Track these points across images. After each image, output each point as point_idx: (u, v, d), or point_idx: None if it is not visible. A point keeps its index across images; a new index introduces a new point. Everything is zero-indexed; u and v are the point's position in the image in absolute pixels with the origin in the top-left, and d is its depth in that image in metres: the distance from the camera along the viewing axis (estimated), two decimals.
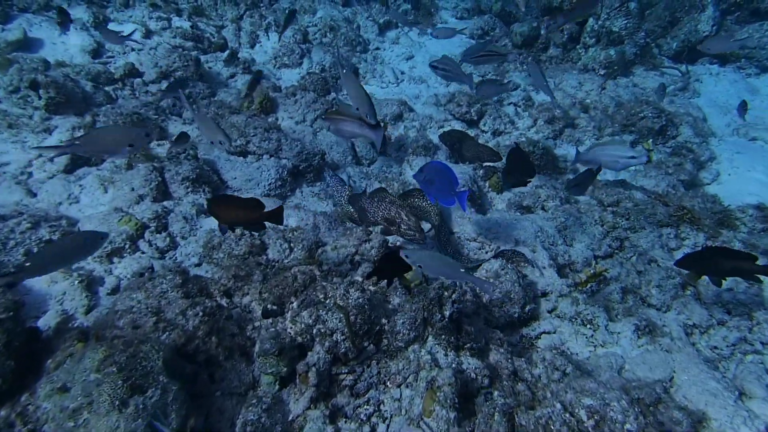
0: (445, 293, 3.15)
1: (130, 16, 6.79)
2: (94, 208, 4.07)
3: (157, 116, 5.33)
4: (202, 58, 6.47)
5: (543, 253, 4.00)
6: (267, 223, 4.09)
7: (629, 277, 3.86)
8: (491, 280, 3.70)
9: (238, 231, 3.71)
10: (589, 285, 3.64)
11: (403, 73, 7.88)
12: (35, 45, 5.82)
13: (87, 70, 5.52)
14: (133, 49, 6.23)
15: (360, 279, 3.41)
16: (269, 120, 5.41)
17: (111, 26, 6.50)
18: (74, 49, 5.91)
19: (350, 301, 3.06)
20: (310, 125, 5.50)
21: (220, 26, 7.36)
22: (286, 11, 7.01)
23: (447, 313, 3.07)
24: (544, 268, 3.89)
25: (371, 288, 3.35)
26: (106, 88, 5.55)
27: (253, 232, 3.70)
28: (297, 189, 4.86)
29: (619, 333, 3.35)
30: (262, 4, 8.01)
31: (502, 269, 3.71)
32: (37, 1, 6.33)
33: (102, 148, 2.95)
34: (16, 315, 2.59)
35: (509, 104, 6.97)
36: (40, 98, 4.88)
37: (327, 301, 3.10)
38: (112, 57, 6.11)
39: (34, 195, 4.10)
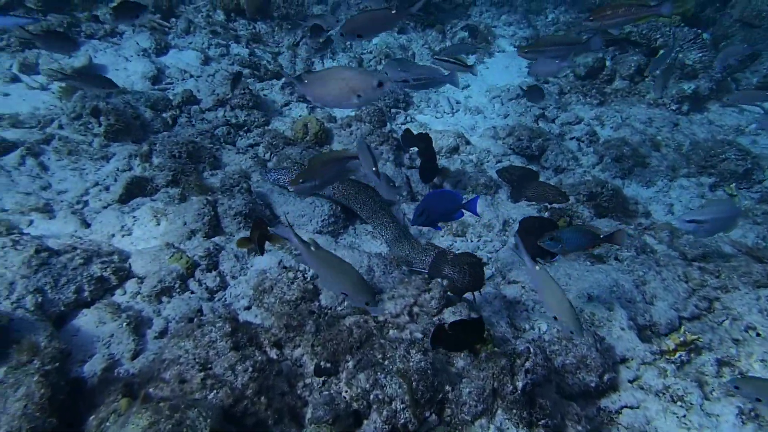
0: (518, 361, 2.82)
1: (190, 43, 6.88)
2: (146, 242, 3.97)
3: (212, 144, 5.28)
4: (258, 85, 6.44)
5: (621, 311, 3.61)
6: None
7: (723, 346, 3.41)
8: (563, 342, 3.34)
9: (290, 274, 3.50)
10: (678, 354, 3.22)
11: (458, 102, 7.64)
12: (99, 71, 5.92)
13: (146, 96, 5.55)
14: (191, 76, 6.26)
15: (420, 336, 3.12)
16: (324, 152, 5.26)
17: (172, 53, 6.60)
18: (135, 75, 5.98)
19: (411, 364, 2.78)
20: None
21: (276, 53, 7.36)
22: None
23: (520, 385, 2.74)
24: (623, 329, 3.49)
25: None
26: (164, 115, 5.57)
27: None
28: (350, 226, 4.65)
29: (718, 416, 2.91)
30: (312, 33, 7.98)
31: None
32: (104, 27, 6.49)
33: (328, 93, 2.58)
34: (62, 366, 2.44)
35: (572, 139, 6.60)
36: (100, 125, 4.91)
37: (386, 363, 2.83)
38: (171, 83, 6.16)
39: (88, 225, 4.05)
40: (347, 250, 4.09)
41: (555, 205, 4.80)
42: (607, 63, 7.57)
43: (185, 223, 4.01)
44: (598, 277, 3.91)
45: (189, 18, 7.18)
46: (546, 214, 4.75)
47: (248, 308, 3.54)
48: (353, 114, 6.07)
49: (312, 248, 2.60)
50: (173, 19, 7.22)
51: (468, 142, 6.36)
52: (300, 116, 6.15)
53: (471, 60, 5.86)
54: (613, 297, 3.71)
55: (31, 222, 3.92)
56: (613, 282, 3.84)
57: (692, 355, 3.30)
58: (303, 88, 2.59)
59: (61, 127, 4.92)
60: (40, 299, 3.01)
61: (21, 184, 4.25)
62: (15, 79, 5.38)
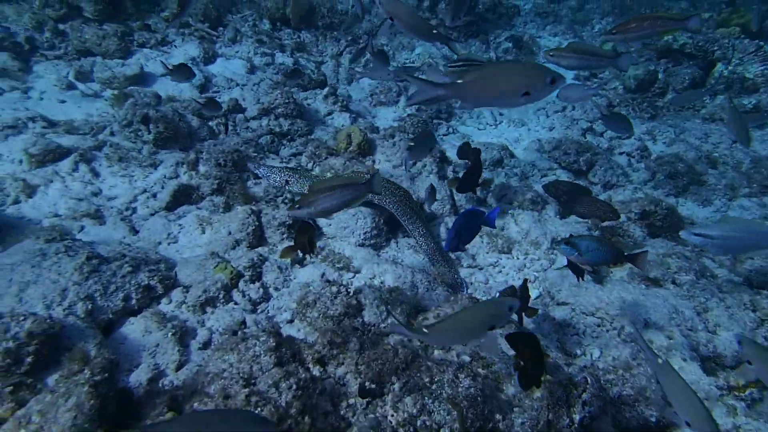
0: (574, 391, 2.67)
1: (237, 52, 6.98)
2: (191, 250, 3.99)
3: (256, 153, 5.30)
4: (302, 94, 6.46)
5: (682, 340, 3.39)
6: (364, 282, 3.83)
7: None
8: (619, 371, 3.16)
9: (334, 289, 3.44)
10: (748, 391, 2.99)
11: (501, 114, 7.49)
12: (149, 79, 6.06)
13: (193, 106, 5.63)
14: (237, 84, 6.34)
15: (468, 359, 3.00)
16: (367, 163, 5.21)
17: (219, 62, 6.70)
18: (185, 84, 6.09)
19: (460, 389, 2.66)
20: (408, 170, 5.22)
21: (320, 62, 7.39)
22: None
23: (577, 418, 2.58)
24: (685, 360, 3.27)
25: (481, 371, 2.93)
26: (210, 123, 5.63)
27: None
28: (393, 239, 4.56)
29: None
30: (361, 41, 7.99)
31: (634, 359, 3.15)
32: (155, 36, 6.66)
33: (492, 91, 2.31)
34: (112, 376, 2.43)
35: (621, 154, 6.35)
36: (149, 132, 4.99)
37: (433, 387, 2.72)
38: (218, 91, 6.25)
39: (136, 232, 4.10)
40: (390, 264, 4.01)
41: (606, 223, 4.59)
42: (660, 75, 7.28)
43: (230, 233, 4.01)
44: (656, 302, 3.69)
45: (236, 27, 7.30)
46: (596, 233, 4.54)
47: (291, 321, 3.49)
48: (396, 125, 6.01)
49: None
50: (221, 29, 7.36)
51: (512, 155, 6.20)
52: (343, 126, 6.14)
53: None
54: (673, 324, 3.50)
55: (82, 228, 4.00)
56: (672, 308, 3.62)
57: (765, 392, 3.06)
58: (456, 89, 2.30)
59: (112, 134, 5.03)
60: (90, 306, 3.04)
61: (74, 189, 4.36)
62: (71, 87, 5.55)
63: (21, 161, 4.46)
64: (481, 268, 4.38)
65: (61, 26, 6.07)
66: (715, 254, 4.12)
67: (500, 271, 4.33)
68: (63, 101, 5.38)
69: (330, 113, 6.36)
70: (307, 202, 2.80)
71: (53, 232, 3.55)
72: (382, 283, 3.82)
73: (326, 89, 6.47)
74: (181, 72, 4.90)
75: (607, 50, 4.12)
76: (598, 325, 3.70)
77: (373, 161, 5.36)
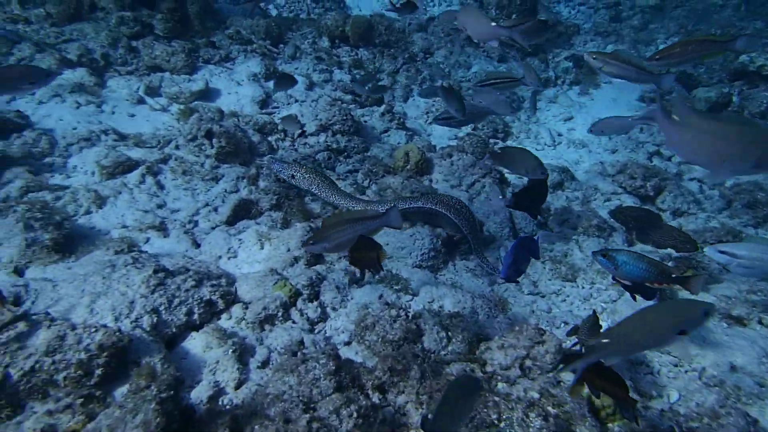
0: None
1: (296, 68, 7.09)
2: (250, 265, 4.00)
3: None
4: (359, 111, 6.48)
5: None
6: (422, 305, 3.72)
7: None
8: (704, 420, 2.90)
9: (393, 312, 3.34)
10: None
11: (560, 134, 7.27)
12: (213, 94, 6.23)
13: (255, 120, 5.74)
14: (296, 100, 6.43)
15: (537, 396, 2.83)
16: (425, 182, 5.13)
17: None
18: (245, 99, 6.23)
19: (531, 431, 2.50)
20: (466, 190, 5.11)
21: (377, 80, 7.41)
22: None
23: None
24: None
25: (551, 409, 2.75)
26: (270, 138, 5.72)
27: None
28: (450, 262, 4.44)
29: None
30: (418, 59, 7.99)
31: (722, 406, 2.89)
32: (219, 53, 6.86)
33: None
34: (177, 394, 2.41)
35: (692, 180, 6.00)
36: (212, 147, 5.10)
37: (502, 425, 2.57)
38: (277, 107, 6.35)
39: (198, 246, 4.16)
40: (448, 288, 3.89)
41: (679, 254, 4.31)
42: (734, 99, 6.88)
43: (289, 250, 4.00)
44: (741, 344, 3.40)
45: (296, 44, 7.44)
46: (671, 264, 4.27)
47: (348, 344, 3.42)
48: (454, 144, 5.92)
49: None
50: (281, 45, 7.52)
51: (573, 178, 5.98)
52: (399, 144, 6.10)
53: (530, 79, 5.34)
54: (764, 370, 3.20)
55: (147, 239, 4.09)
56: (762, 351, 3.32)
57: None
58: (671, 129, 2.08)
59: (177, 147, 5.17)
60: (155, 320, 3.07)
61: (140, 201, 4.48)
62: (141, 101, 5.77)
63: (93, 173, 4.64)
64: (543, 296, 4.19)
65: (134, 43, 6.35)
66: (742, 275, 3.83)
67: (564, 300, 4.12)
68: (133, 115, 5.59)
69: (386, 131, 6.34)
70: (322, 237, 2.80)
71: (122, 243, 3.64)
72: (440, 307, 3.70)
73: (383, 107, 6.47)
74: (285, 81, 5.27)
75: (651, 66, 3.98)
76: (675, 365, 3.43)
77: (430, 180, 5.28)
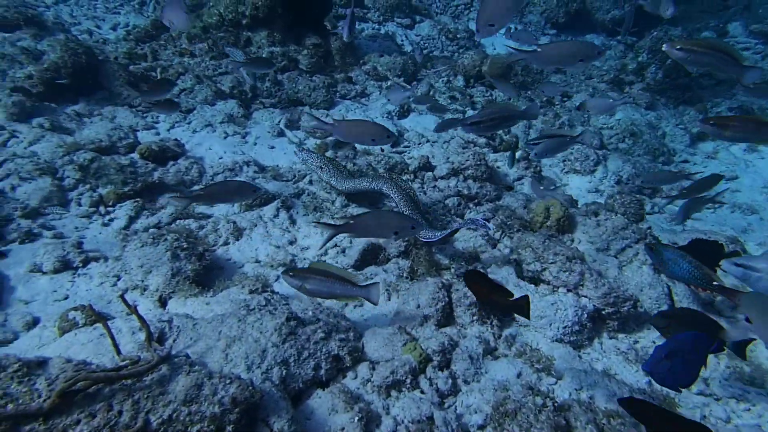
0: None
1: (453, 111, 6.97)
2: (377, 318, 3.80)
3: (444, 216, 5.07)
4: (492, 156, 6.16)
5: None
6: (569, 393, 3.24)
7: None
8: None
9: (538, 400, 2.91)
10: None
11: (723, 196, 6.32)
12: None
13: (386, 159, 5.64)
14: (428, 141, 6.27)
15: None
16: (566, 242, 4.63)
17: (412, 116, 6.74)
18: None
19: None
20: (615, 256, 4.51)
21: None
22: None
23: None
24: None
25: None
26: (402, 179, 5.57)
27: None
28: (596, 339, 3.89)
29: None
30: (557, 102, 7.50)
31: None
32: (356, 88, 6.96)
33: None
34: None
35: None
36: None
37: None
38: (408, 147, 6.23)
39: None
40: (600, 376, 3.36)
41: None
42: None
43: (418, 306, 3.74)
44: None
45: (430, 82, 7.35)
46: None
47: (483, 428, 3.03)
48: (602, 201, 5.35)
49: None
50: (415, 83, 7.47)
51: (745, 251, 5.08)
52: (533, 192, 5.65)
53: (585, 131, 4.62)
54: None
55: (278, 277, 4.06)
56: None
57: None
58: None
59: (311, 182, 5.21)
60: (284, 372, 2.94)
61: (274, 236, 4.51)
62: (281, 134, 5.96)
63: (234, 204, 4.79)
64: (718, 399, 3.47)
65: (279, 77, 6.64)
66: (757, 290, 3.28)
67: (749, 409, 3.38)
68: (272, 147, 5.78)
69: (520, 178, 5.93)
70: (304, 277, 2.96)
71: (257, 282, 3.62)
72: (591, 399, 3.18)
73: (519, 152, 6.08)
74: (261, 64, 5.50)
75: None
76: None
77: (572, 240, 4.76)
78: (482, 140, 6.28)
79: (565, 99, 7.78)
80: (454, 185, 5.52)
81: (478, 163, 5.58)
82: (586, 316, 3.85)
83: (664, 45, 3.53)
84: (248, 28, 6.89)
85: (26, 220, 3.82)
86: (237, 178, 4.80)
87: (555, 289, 4.05)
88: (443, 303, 3.75)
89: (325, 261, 4.36)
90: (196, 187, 4.88)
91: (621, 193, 5.21)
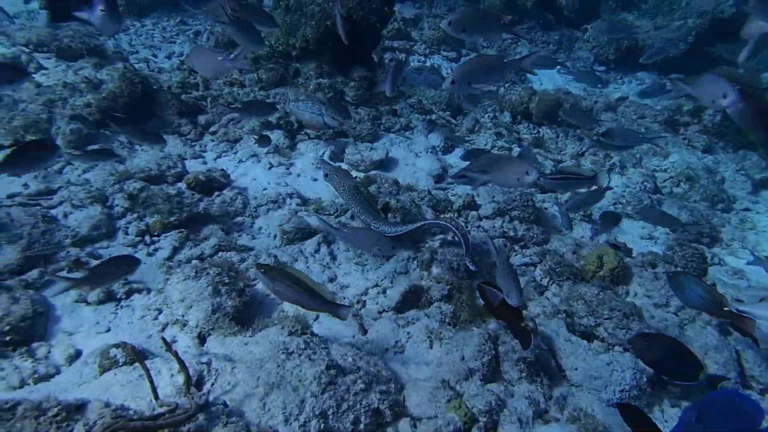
0: None
1: (474, 143, 6.86)
2: (418, 367, 3.63)
3: (487, 258, 4.88)
4: (539, 197, 5.95)
5: None
6: None
7: None
8: None
9: None
10: None
11: None
12: (391, 164, 6.21)
13: (430, 196, 5.52)
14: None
15: None
16: (620, 293, 4.37)
17: (456, 152, 6.63)
18: (422, 172, 6.10)
19: None
20: (675, 313, 4.21)
21: (558, 161, 6.85)
22: None
23: None
24: None
25: None
26: (443, 216, 5.43)
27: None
28: (656, 406, 3.59)
29: None
30: (603, 140, 7.25)
31: None
32: (400, 121, 6.92)
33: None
34: None
35: None
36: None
37: None
38: (452, 183, 6.10)
39: (365, 332, 3.91)
40: None
41: None
42: None
43: (463, 358, 3.54)
44: None
45: (476, 117, 7.24)
46: None
47: None
48: (661, 252, 5.06)
49: None
50: (460, 117, 7.39)
51: None
52: (582, 238, 5.40)
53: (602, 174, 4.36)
54: None
55: (317, 316, 3.95)
56: None
57: None
58: None
59: (353, 217, 5.12)
60: (322, 426, 2.80)
61: (314, 272, 4.42)
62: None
63: (275, 236, 4.75)
64: None
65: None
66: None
67: None
68: (315, 179, 5.75)
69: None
70: (274, 277, 2.83)
71: (296, 324, 3.51)
72: None
73: (567, 194, 5.84)
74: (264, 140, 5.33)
75: None
76: None
77: (627, 292, 4.48)
78: None
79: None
80: (500, 226, 5.33)
81: (525, 204, 5.39)
82: (645, 379, 3.57)
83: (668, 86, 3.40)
84: (297, 59, 6.99)
85: (75, 248, 3.86)
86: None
87: (610, 347, 3.79)
88: (489, 356, 3.55)
89: (363, 301, 4.24)
90: (239, 218, 4.88)
91: (681, 244, 4.90)
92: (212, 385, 2.87)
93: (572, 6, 10.50)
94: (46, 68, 5.72)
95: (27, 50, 6.02)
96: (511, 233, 5.27)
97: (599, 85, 9.01)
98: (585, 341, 3.87)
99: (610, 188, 5.24)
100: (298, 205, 5.20)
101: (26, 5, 7.74)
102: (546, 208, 5.81)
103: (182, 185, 4.77)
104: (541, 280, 4.73)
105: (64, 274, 3.64)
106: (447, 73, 9.17)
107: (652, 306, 4.27)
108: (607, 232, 5.40)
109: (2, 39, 6.13)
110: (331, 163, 5.22)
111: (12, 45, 6.05)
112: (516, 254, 5.13)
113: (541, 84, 9.29)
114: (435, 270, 4.50)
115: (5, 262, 3.45)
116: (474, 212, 5.53)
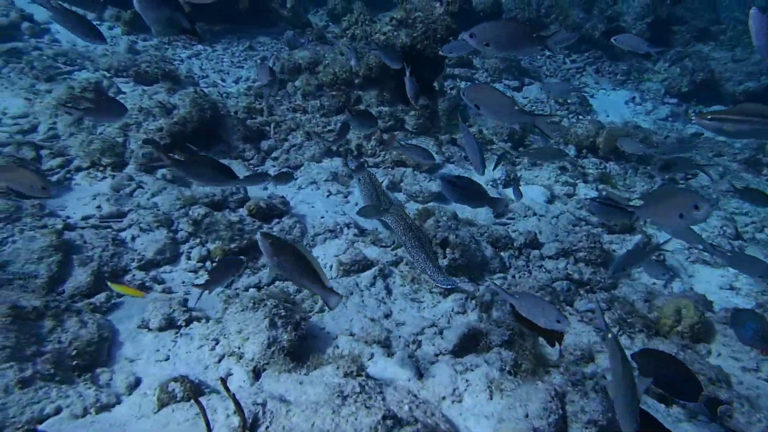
0: None
1: (536, 176, 6.62)
2: (477, 419, 3.42)
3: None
4: (606, 237, 5.63)
5: None
6: None
7: None
8: None
9: None
10: None
11: None
12: None
13: (490, 232, 5.33)
14: (534, 214, 5.89)
15: None
16: (701, 353, 4.00)
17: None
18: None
19: None
20: (767, 379, 3.80)
21: (627, 199, 6.48)
22: None
23: None
24: None
25: None
26: (502, 254, 5.23)
27: None
28: None
29: None
30: (680, 181, 6.83)
31: None
32: (461, 152, 6.79)
33: None
34: None
35: None
36: (444, 257, 4.81)
37: None
38: (512, 218, 5.89)
39: (421, 376, 3.74)
40: None
41: None
42: None
43: (527, 415, 3.31)
44: None
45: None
46: None
47: None
48: (740, 301, 4.64)
49: None
50: (521, 149, 7.17)
51: None
52: (654, 284, 5.03)
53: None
54: None
55: (372, 355, 3.84)
56: None
57: None
58: None
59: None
60: None
61: (369, 307, 4.32)
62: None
63: (331, 267, 4.70)
64: None
65: (385, 136, 6.65)
66: None
67: None
68: None
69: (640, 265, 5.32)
70: (276, 253, 2.72)
71: (351, 364, 3.40)
72: None
73: (638, 236, 5.51)
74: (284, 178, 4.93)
75: None
76: None
77: (709, 352, 4.10)
78: (595, 218, 5.78)
79: (689, 177, 7.06)
80: (564, 267, 5.07)
81: (592, 245, 5.10)
82: None
83: (692, 118, 3.14)
84: (360, 87, 7.03)
85: (141, 272, 3.94)
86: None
87: (693, 416, 3.45)
88: (556, 416, 3.30)
89: (419, 341, 4.08)
90: None
91: None
92: (267, 429, 2.80)
93: (643, 36, 10.11)
94: (124, 92, 6.00)
95: (108, 75, 6.36)
96: (576, 276, 4.99)
97: (670, 118, 8.58)
98: (662, 405, 3.54)
99: (664, 248, 4.89)
100: (355, 235, 5.14)
101: (110, 31, 8.24)
102: (614, 251, 5.48)
103: (244, 212, 4.82)
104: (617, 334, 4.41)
105: None
106: None
107: (739, 370, 3.88)
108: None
109: (87, 64, 6.52)
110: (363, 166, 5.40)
111: (95, 70, 6.42)
112: (581, 299, 4.85)
113: (608, 116, 8.94)
114: (495, 313, 4.29)
115: (76, 284, 3.56)
116: (536, 251, 5.29)
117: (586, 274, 4.99)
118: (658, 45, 10.25)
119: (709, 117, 3.06)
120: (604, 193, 6.42)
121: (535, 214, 5.92)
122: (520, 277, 4.97)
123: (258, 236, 2.76)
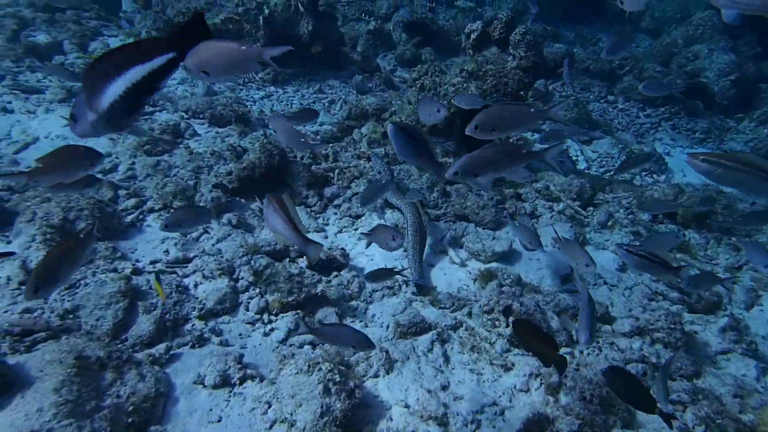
0: None
1: (607, 240, 6.25)
2: None
3: None
4: (686, 317, 5.16)
5: None
6: None
7: None
8: None
9: None
10: None
11: None
12: (515, 256, 5.81)
13: (557, 301, 5.01)
14: (605, 283, 5.51)
15: None
16: None
17: (588, 249, 6.06)
18: (548, 270, 5.62)
19: None
20: None
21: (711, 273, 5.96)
22: None
23: None
24: None
25: None
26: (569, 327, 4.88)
27: None
28: None
29: None
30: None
31: None
32: (525, 206, 6.54)
33: None
34: None
35: None
36: (507, 326, 4.54)
37: None
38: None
39: None
40: None
41: None
42: None
43: None
44: None
45: (609, 211, 6.64)
46: None
47: None
48: None
49: None
50: (590, 209, 6.83)
51: None
52: (744, 377, 4.51)
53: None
54: None
55: None
56: None
57: None
58: None
59: (470, 314, 4.78)
60: None
61: (426, 375, 4.10)
62: (443, 251, 5.70)
63: (388, 327, 4.54)
64: None
65: (448, 188, 6.52)
66: None
67: None
68: (432, 265, 5.52)
69: (725, 352, 4.82)
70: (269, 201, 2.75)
71: None
72: None
73: (724, 320, 5.01)
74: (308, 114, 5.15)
75: None
76: None
77: None
78: (675, 293, 5.33)
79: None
80: (638, 348, 4.65)
81: (672, 326, 4.67)
82: None
83: (686, 157, 3.01)
84: None
85: (200, 322, 3.94)
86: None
87: None
88: None
89: (479, 420, 3.81)
90: (353, 302, 4.74)
91: None
92: None
93: (727, 93, 9.56)
94: (199, 135, 6.23)
95: (186, 117, 6.64)
96: (653, 359, 4.56)
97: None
98: None
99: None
100: (413, 293, 4.98)
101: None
102: (696, 332, 5.00)
103: (304, 264, 4.78)
104: (693, 427, 3.97)
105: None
106: (576, 157, 8.68)
107: None
108: None
109: (168, 105, 6.86)
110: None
111: (174, 111, 6.73)
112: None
113: (684, 176, 8.41)
114: (563, 398, 3.96)
115: (139, 332, 3.59)
116: (607, 326, 4.91)
117: (664, 358, 4.56)
118: (743, 105, 9.69)
119: (701, 158, 2.94)
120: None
121: (606, 283, 5.54)
122: (588, 354, 4.61)
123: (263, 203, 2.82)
